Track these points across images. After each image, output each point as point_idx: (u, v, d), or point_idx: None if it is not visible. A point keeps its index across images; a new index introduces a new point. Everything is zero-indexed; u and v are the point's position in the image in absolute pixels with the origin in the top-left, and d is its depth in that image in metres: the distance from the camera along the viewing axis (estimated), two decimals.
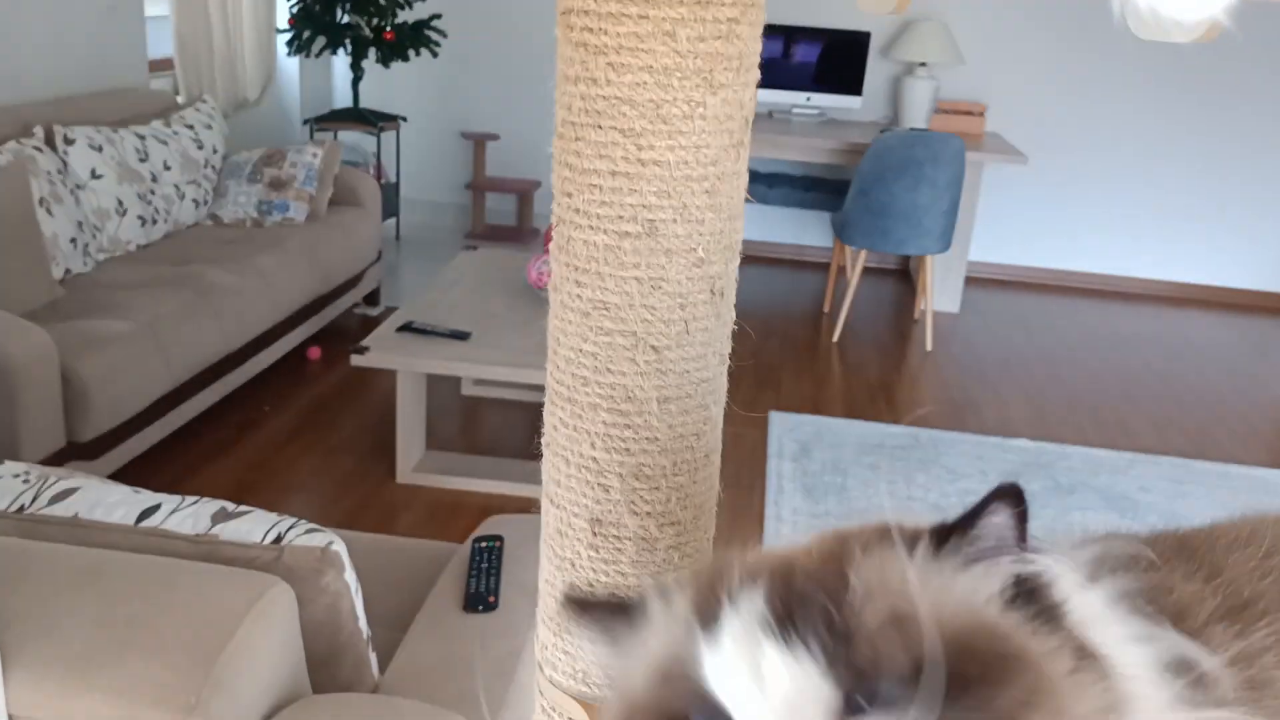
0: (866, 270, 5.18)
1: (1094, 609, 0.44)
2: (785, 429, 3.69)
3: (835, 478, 3.37)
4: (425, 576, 2.20)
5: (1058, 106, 5.31)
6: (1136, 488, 3.40)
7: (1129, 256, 5.41)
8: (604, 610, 0.52)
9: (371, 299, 4.81)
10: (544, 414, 0.84)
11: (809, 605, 0.41)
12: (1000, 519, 0.43)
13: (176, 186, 4.19)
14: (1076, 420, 3.92)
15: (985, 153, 4.74)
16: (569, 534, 0.82)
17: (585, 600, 0.53)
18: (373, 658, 1.81)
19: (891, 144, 4.36)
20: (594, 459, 0.79)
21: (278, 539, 1.64)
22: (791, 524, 3.15)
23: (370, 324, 3.44)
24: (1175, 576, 0.55)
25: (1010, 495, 0.43)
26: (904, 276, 5.55)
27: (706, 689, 0.41)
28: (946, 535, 0.43)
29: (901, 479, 3.45)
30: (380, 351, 3.31)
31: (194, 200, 4.31)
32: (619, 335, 0.76)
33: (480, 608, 1.96)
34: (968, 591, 0.42)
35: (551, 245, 0.79)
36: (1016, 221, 5.47)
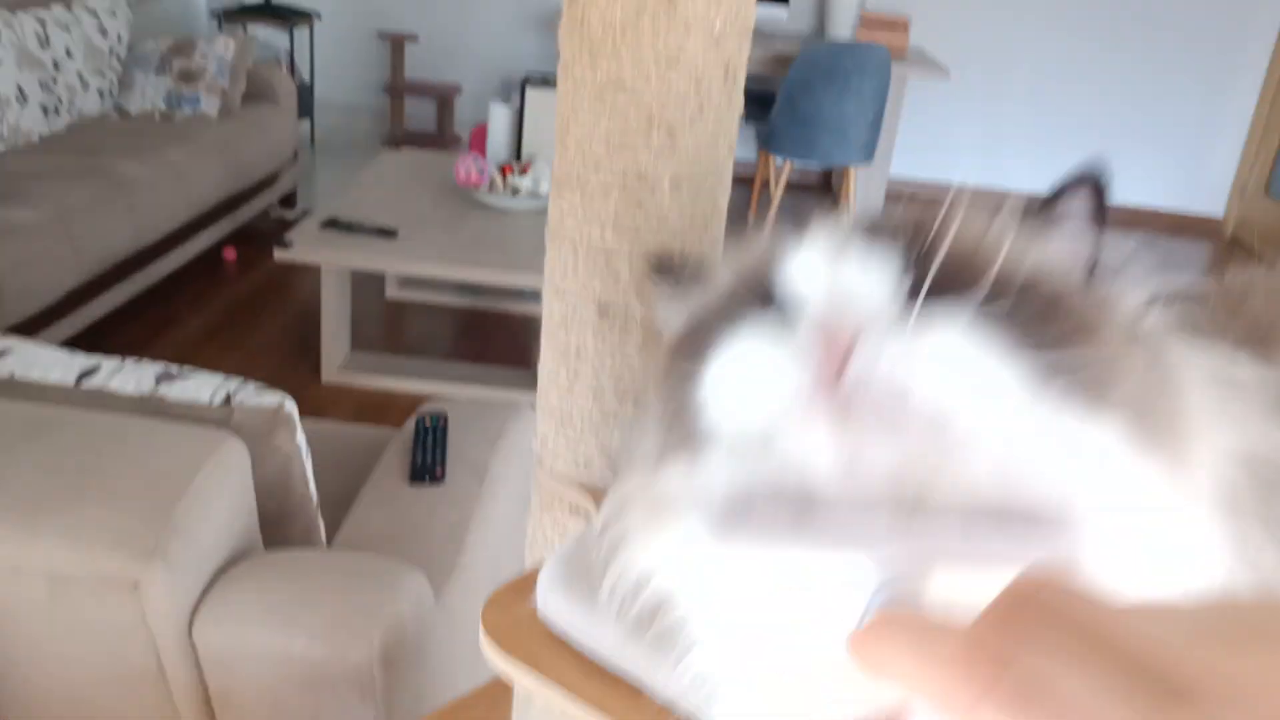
0: (790, 184, 5.22)
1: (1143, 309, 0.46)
2: None
3: None
4: (364, 461, 2.18)
5: (981, 22, 5.38)
6: None
7: (1049, 175, 5.55)
8: (685, 275, 0.52)
9: (288, 202, 4.67)
10: (550, 208, 0.84)
11: (893, 232, 0.43)
12: (1080, 202, 0.45)
13: (80, 75, 3.99)
14: None
15: (908, 65, 4.80)
16: (574, 323, 0.83)
17: (670, 263, 0.53)
18: (321, 525, 1.80)
19: (819, 54, 4.38)
20: (605, 244, 0.80)
21: (227, 399, 1.61)
22: None
23: (287, 227, 3.36)
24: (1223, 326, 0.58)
25: (1092, 181, 0.45)
26: (826, 190, 5.61)
27: (777, 280, 0.43)
28: (1030, 208, 0.45)
29: None
30: (305, 246, 3.24)
31: (99, 90, 4.11)
32: (633, 114, 0.76)
33: (427, 479, 1.96)
34: (1043, 251, 0.44)
35: (562, 28, 0.79)
36: (938, 137, 5.56)
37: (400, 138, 5.62)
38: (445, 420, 2.10)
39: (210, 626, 1.37)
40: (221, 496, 1.46)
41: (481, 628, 0.70)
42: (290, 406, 1.62)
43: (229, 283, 4.08)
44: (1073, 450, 0.38)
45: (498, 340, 3.76)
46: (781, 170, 4.72)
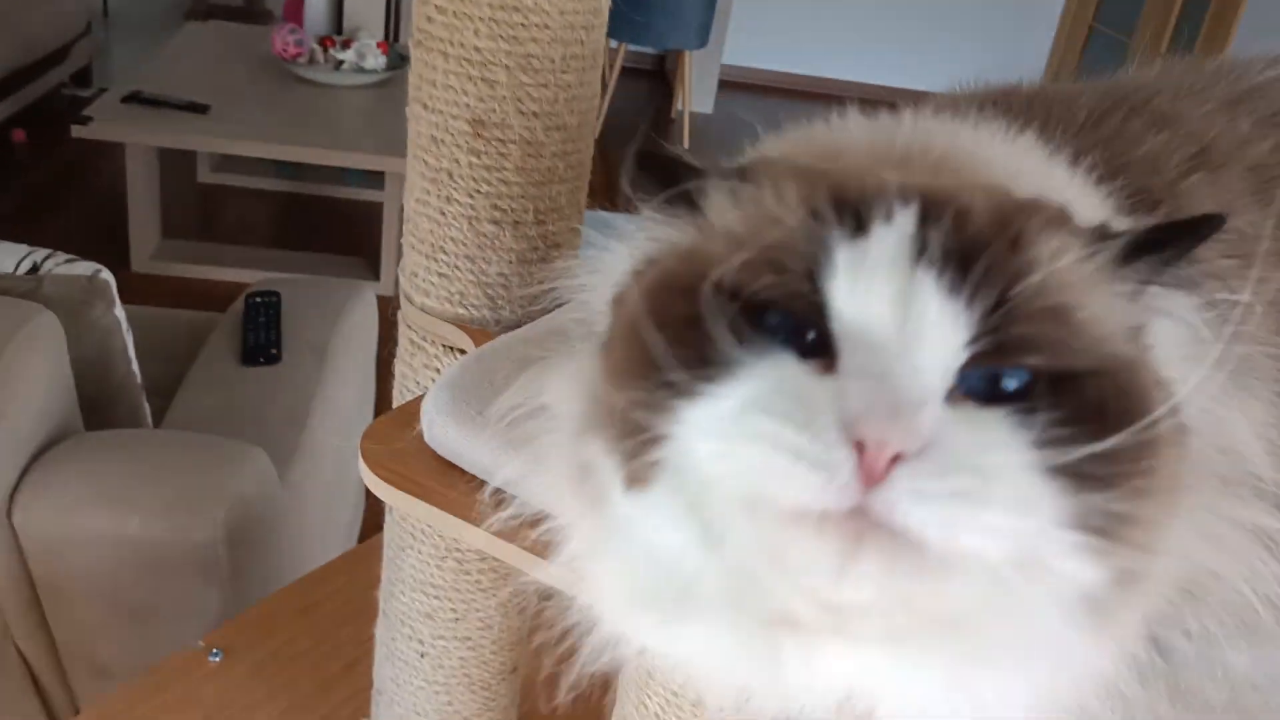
0: (623, 70, 5.13)
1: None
2: None
3: None
4: (187, 347, 2.04)
5: None
6: None
7: (881, 65, 5.63)
8: (675, 170, 0.43)
9: (82, 79, 4.27)
10: (415, 8, 0.76)
11: (973, 256, 0.36)
12: (1181, 253, 0.39)
13: None
14: None
15: None
16: (446, 140, 0.76)
17: (657, 154, 0.44)
18: (147, 409, 1.67)
19: None
20: (477, 49, 0.73)
21: (34, 268, 1.46)
22: None
23: (82, 105, 3.05)
24: (1137, 125, 0.57)
25: (1195, 233, 0.39)
26: (659, 78, 5.55)
27: (817, 290, 0.37)
28: (1134, 252, 0.39)
29: None
30: (106, 122, 2.96)
31: None
32: None
33: (262, 360, 1.85)
34: (1131, 319, 0.39)
35: None
36: (770, 25, 5.55)
37: (204, 10, 5.20)
38: (279, 299, 1.98)
39: (30, 510, 1.25)
40: (35, 375, 1.32)
41: (360, 459, 0.64)
42: (106, 276, 1.48)
43: (21, 167, 3.71)
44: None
45: (326, 227, 3.57)
46: (616, 54, 4.62)
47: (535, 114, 0.75)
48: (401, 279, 0.84)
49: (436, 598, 0.87)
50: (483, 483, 0.62)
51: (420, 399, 0.68)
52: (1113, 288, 0.39)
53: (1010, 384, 0.36)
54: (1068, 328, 0.36)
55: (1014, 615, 0.36)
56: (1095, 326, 0.37)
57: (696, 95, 4.99)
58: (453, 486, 0.63)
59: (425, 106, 0.76)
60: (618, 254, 0.49)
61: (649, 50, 5.37)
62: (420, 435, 0.65)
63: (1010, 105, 0.57)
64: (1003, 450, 0.34)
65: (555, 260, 0.82)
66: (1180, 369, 0.40)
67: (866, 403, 0.34)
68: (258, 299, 1.97)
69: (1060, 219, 0.39)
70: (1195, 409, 0.40)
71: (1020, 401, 0.35)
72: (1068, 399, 0.35)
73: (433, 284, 0.80)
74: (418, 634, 0.89)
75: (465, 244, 0.78)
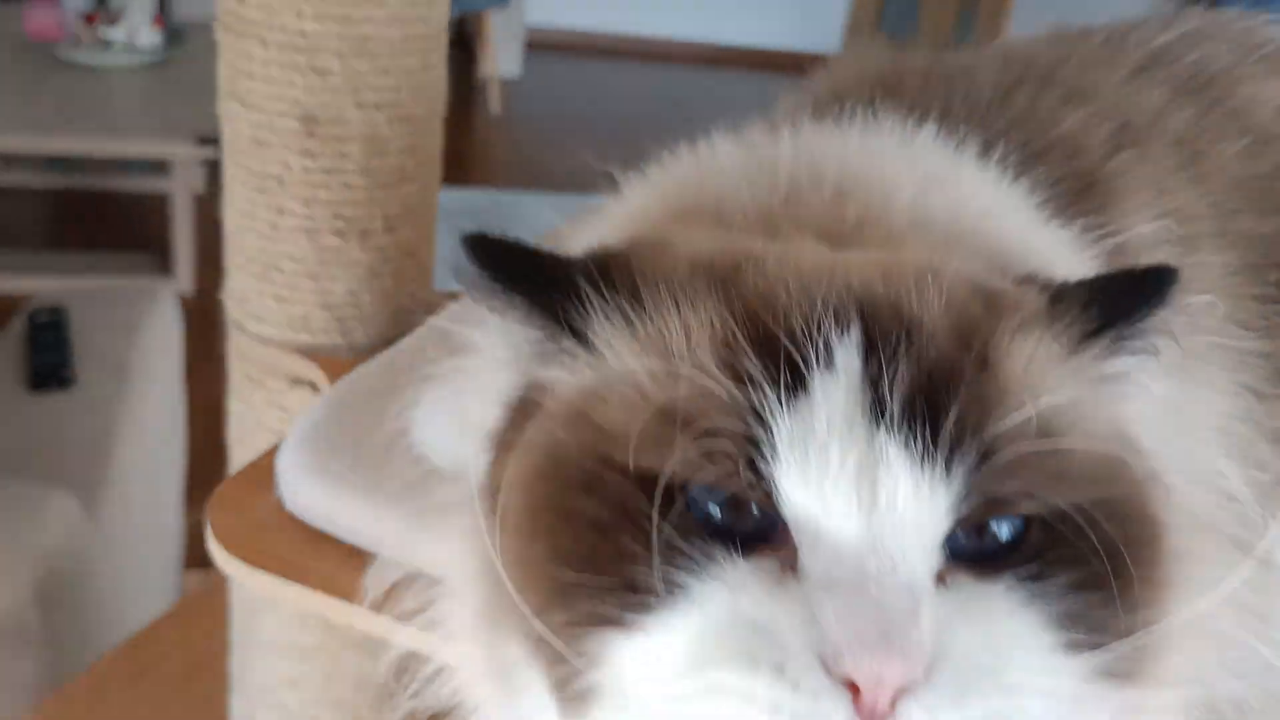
0: None
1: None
2: None
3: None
4: None
5: None
6: None
7: (688, 19, 5.60)
8: (527, 264, 0.34)
9: None
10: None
11: (941, 399, 0.29)
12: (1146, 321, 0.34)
13: None
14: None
15: None
16: (272, 142, 0.64)
17: (501, 245, 0.34)
18: None
19: None
20: (303, 33, 0.62)
21: None
22: None
23: None
24: (1050, 101, 0.52)
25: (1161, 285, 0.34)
26: (458, 42, 5.35)
27: (760, 477, 0.29)
28: (1097, 329, 0.33)
29: None
30: None
31: None
32: None
33: (53, 384, 1.64)
34: (1116, 417, 0.34)
35: None
36: None
37: None
38: (65, 314, 1.77)
39: None
40: None
41: (211, 535, 0.53)
42: None
43: None
44: None
45: (110, 223, 3.26)
46: None
47: (376, 106, 0.65)
48: (228, 305, 0.72)
49: (303, 662, 0.76)
50: (362, 551, 0.53)
51: (271, 455, 0.58)
52: (1084, 374, 0.33)
53: (1003, 534, 0.30)
54: (1058, 460, 0.30)
55: None
56: (1083, 443, 0.31)
57: (502, 59, 4.83)
58: (326, 559, 0.53)
59: (243, 103, 0.64)
60: (483, 364, 0.40)
61: None
62: (279, 503, 0.55)
63: (901, 89, 0.53)
64: (1019, 645, 0.29)
65: (409, 276, 0.73)
66: (1157, 431, 0.36)
67: (850, 630, 0.27)
68: (42, 317, 1.75)
69: (1022, 310, 0.33)
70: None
71: (1016, 555, 0.30)
72: (1067, 542, 0.30)
73: (268, 309, 0.69)
74: (283, 704, 0.78)
75: (304, 260, 0.67)
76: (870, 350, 0.30)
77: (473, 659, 0.38)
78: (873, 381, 0.29)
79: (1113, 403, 0.34)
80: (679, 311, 0.32)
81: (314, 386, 0.71)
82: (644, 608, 0.29)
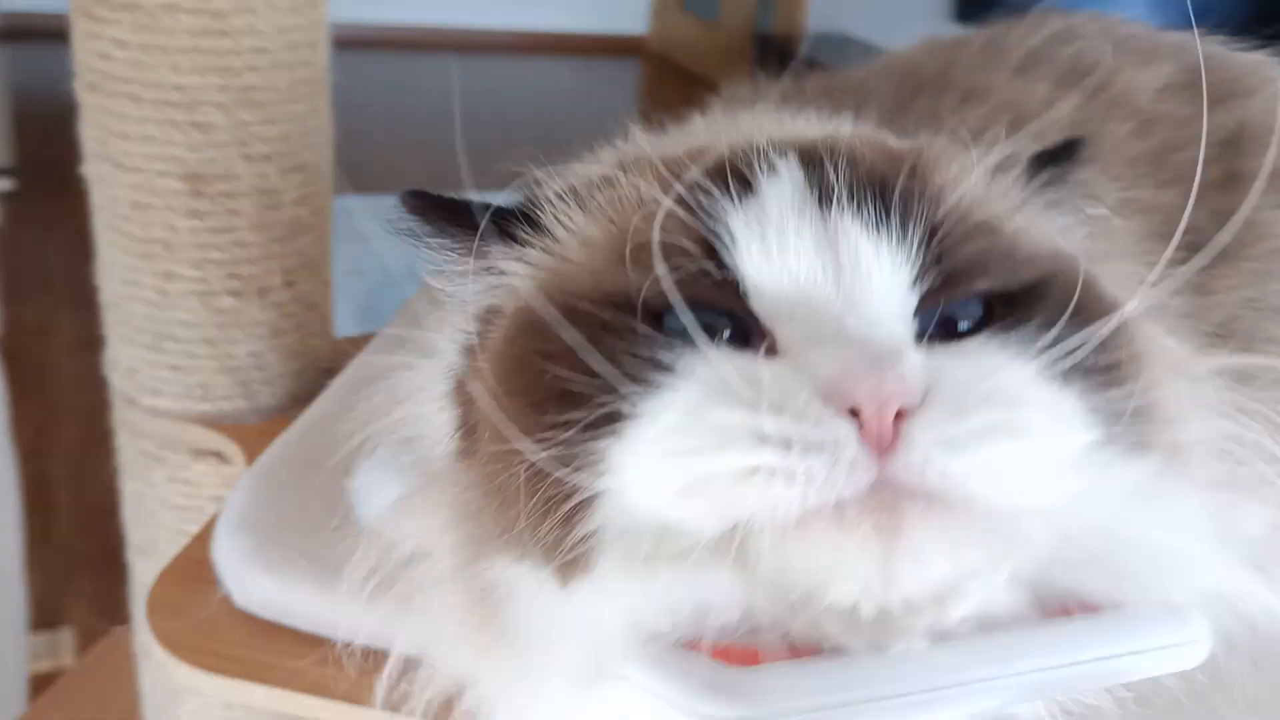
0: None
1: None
2: None
3: None
4: None
5: None
6: None
7: (492, 7, 5.50)
8: (460, 213, 0.36)
9: None
10: (76, 45, 0.59)
11: (882, 189, 0.32)
12: (1070, 168, 0.38)
13: None
14: (473, 170, 4.00)
15: None
16: (154, 204, 0.60)
17: (435, 201, 0.37)
18: None
19: None
20: (180, 87, 0.57)
21: None
22: None
23: None
24: (950, 101, 0.55)
25: (1074, 151, 0.38)
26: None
27: (723, 266, 0.31)
28: (1033, 170, 0.38)
29: None
30: None
31: None
32: None
33: None
34: (1052, 229, 0.37)
35: None
36: None
37: None
38: None
39: None
40: None
41: (158, 645, 0.49)
42: None
43: None
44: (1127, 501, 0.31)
45: None
46: None
47: (266, 157, 0.61)
48: (114, 379, 0.67)
49: None
50: (322, 640, 0.50)
51: (200, 544, 0.54)
52: (1025, 201, 0.37)
53: (967, 318, 0.31)
54: (1005, 241, 0.33)
55: (1087, 541, 0.31)
56: (1028, 235, 0.34)
57: None
58: (286, 651, 0.50)
59: (117, 165, 0.59)
60: (423, 367, 0.41)
61: None
62: (225, 598, 0.51)
63: (808, 105, 0.54)
64: (1007, 370, 0.29)
65: (312, 330, 0.69)
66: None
67: (841, 362, 0.28)
68: None
69: (947, 150, 0.36)
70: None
71: (986, 328, 0.31)
72: (1030, 309, 0.31)
73: (163, 380, 0.64)
74: None
75: (200, 325, 0.63)
76: (809, 168, 0.32)
77: (457, 620, 0.38)
78: (815, 183, 0.32)
79: (1050, 229, 0.37)
80: (628, 179, 0.35)
81: (220, 456, 0.67)
82: (636, 399, 0.29)
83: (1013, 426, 0.28)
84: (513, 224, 0.36)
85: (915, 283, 0.31)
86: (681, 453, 0.28)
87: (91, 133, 0.60)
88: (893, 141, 0.38)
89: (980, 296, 0.32)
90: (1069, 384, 0.30)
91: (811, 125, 0.49)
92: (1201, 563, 0.31)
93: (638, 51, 5.75)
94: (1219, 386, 0.37)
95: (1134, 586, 0.31)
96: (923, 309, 0.31)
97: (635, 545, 0.30)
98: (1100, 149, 0.54)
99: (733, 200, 0.32)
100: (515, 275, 0.36)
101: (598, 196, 0.36)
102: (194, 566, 0.54)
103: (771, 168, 0.33)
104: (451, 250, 0.37)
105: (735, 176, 0.32)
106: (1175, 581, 0.31)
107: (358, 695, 0.48)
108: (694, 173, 0.33)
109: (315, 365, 0.69)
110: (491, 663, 0.37)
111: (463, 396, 0.37)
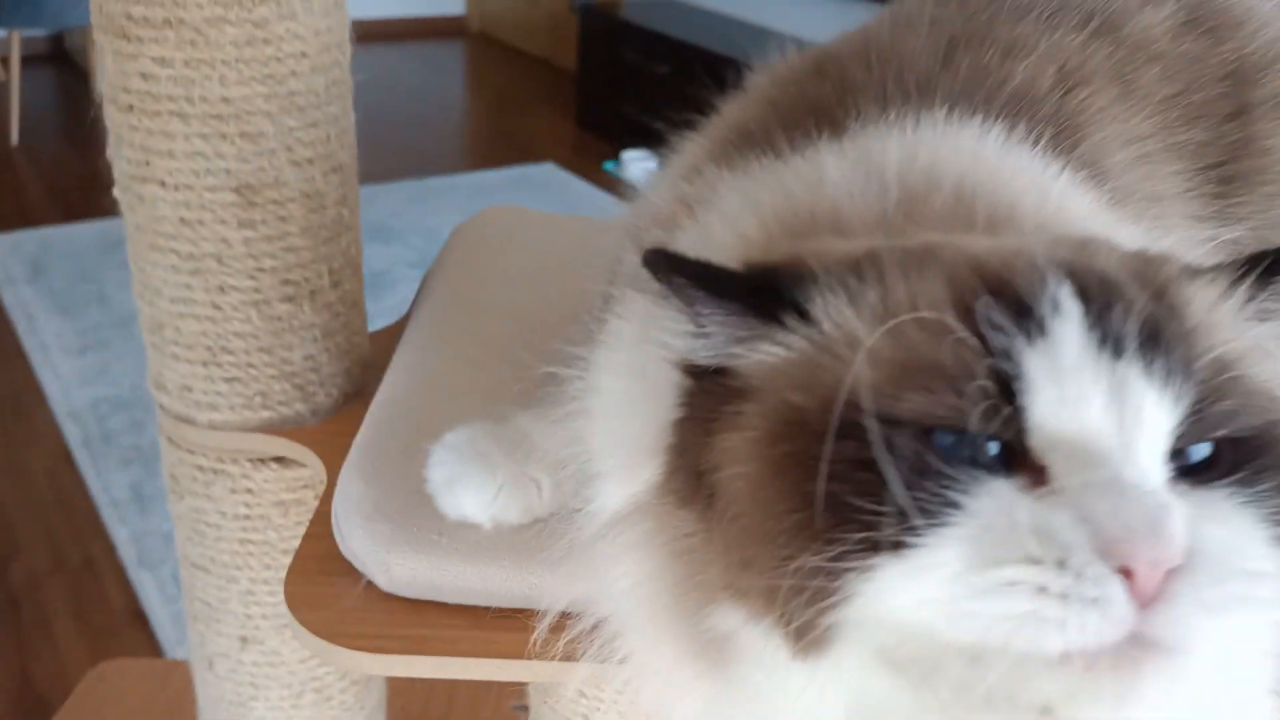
0: (27, 60, 4.39)
1: None
2: (4, 252, 3.10)
3: (88, 286, 2.97)
4: None
5: None
6: (389, 215, 3.56)
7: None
8: (717, 281, 0.36)
9: None
10: (109, 66, 0.58)
11: (1159, 336, 0.34)
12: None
13: None
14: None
15: None
16: (205, 220, 0.60)
17: (684, 266, 0.36)
18: None
19: None
20: (227, 99, 0.57)
21: None
22: (60, 349, 2.75)
23: None
24: (994, 57, 0.56)
25: None
26: (64, 62, 4.80)
27: (1014, 405, 0.33)
28: (1256, 284, 0.39)
29: None
30: None
31: None
32: None
33: None
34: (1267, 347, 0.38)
35: None
36: None
37: None
38: None
39: None
40: None
41: (316, 639, 0.51)
42: None
43: None
44: None
45: None
46: (8, 44, 3.92)
47: (310, 160, 0.62)
48: (162, 400, 0.67)
49: None
50: (468, 608, 0.53)
51: (313, 542, 0.56)
52: (1250, 323, 0.39)
53: (1198, 456, 0.35)
54: (1246, 385, 0.36)
55: None
56: (1260, 375, 0.37)
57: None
58: (442, 624, 0.53)
59: (164, 185, 0.59)
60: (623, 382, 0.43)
61: (40, 33, 4.63)
62: (367, 583, 0.53)
63: (856, 86, 0.55)
64: (1250, 537, 0.34)
65: (356, 328, 0.70)
66: None
67: (1122, 521, 0.31)
68: None
69: (1185, 268, 0.39)
70: None
71: (1213, 473, 0.35)
72: (1263, 462, 0.35)
73: (219, 394, 0.65)
74: None
75: (256, 335, 0.63)
76: (1086, 298, 0.34)
77: (660, 657, 0.41)
78: (1094, 323, 0.34)
79: (1266, 351, 0.39)
80: (903, 278, 0.36)
81: (282, 462, 0.68)
82: (912, 529, 0.32)
83: (1257, 598, 0.32)
84: (776, 306, 0.37)
85: (1175, 427, 0.34)
86: (965, 593, 0.31)
87: (130, 154, 0.60)
88: (1135, 255, 0.39)
89: (1214, 440, 0.35)
90: None
91: (973, 154, 0.48)
92: None
93: (460, 32, 5.70)
94: None
95: None
96: (1176, 450, 0.34)
97: (882, 641, 0.33)
98: (1136, 95, 0.56)
99: (1027, 339, 0.33)
100: (766, 355, 0.37)
101: (870, 295, 0.36)
102: (317, 563, 0.56)
103: (1056, 306, 0.34)
104: (699, 315, 0.37)
105: (1020, 309, 0.34)
106: None
107: (514, 651, 0.52)
108: (984, 301, 0.34)
109: (361, 361, 0.70)
110: (692, 697, 0.41)
111: (684, 442, 0.39)
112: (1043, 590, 0.31)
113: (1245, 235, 0.53)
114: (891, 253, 0.37)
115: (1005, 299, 0.34)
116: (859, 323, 0.36)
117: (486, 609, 0.52)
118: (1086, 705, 0.31)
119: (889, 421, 0.33)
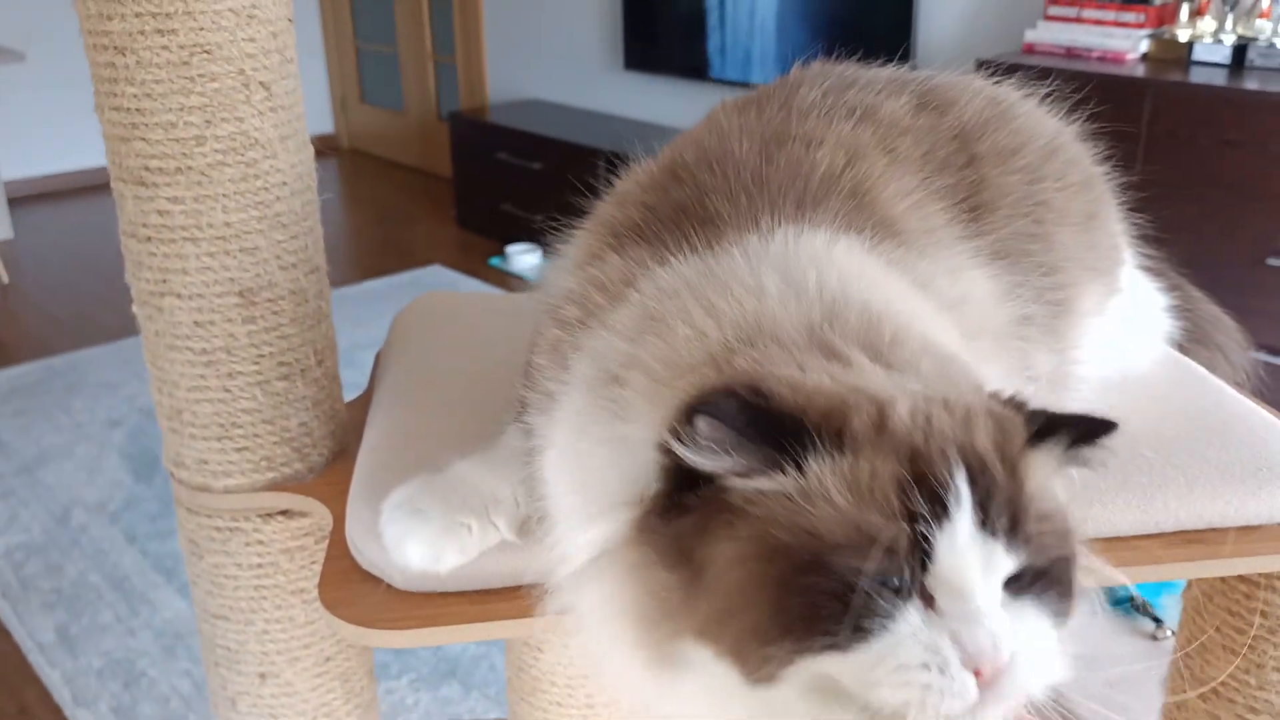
0: None
1: None
2: None
3: None
4: None
5: (52, 6, 4.90)
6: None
7: None
8: (770, 424, 0.50)
9: None
10: (124, 206, 0.73)
11: (1016, 518, 0.51)
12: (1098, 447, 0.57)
13: None
14: None
15: None
16: (215, 320, 0.75)
17: (756, 403, 0.50)
18: None
19: None
20: (228, 224, 0.73)
21: None
22: None
23: None
24: (798, 151, 0.71)
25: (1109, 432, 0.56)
26: None
27: (923, 565, 0.50)
28: (1055, 436, 0.55)
29: (60, 411, 3.17)
30: None
31: None
32: (227, 78, 0.70)
33: None
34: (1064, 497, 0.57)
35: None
36: (37, 128, 5.04)
37: None
38: None
39: None
40: None
41: (346, 623, 0.64)
42: None
43: None
44: None
45: None
46: None
47: (295, 264, 0.78)
48: (181, 475, 0.80)
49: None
50: (466, 592, 0.68)
51: (332, 561, 0.70)
52: (1055, 474, 0.57)
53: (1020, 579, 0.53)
54: (1052, 531, 0.54)
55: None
56: (1060, 516, 0.54)
57: None
58: (449, 604, 0.67)
59: (179, 296, 0.74)
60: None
61: None
62: (387, 586, 0.67)
63: (696, 195, 0.68)
64: (1045, 634, 0.53)
65: (337, 395, 0.85)
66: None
67: (979, 646, 0.49)
68: None
69: (1020, 434, 0.54)
70: None
71: (1021, 582, 0.52)
72: (1052, 584, 0.53)
73: (232, 462, 0.79)
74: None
75: (260, 410, 0.78)
76: (973, 483, 0.50)
77: (620, 658, 0.56)
78: (978, 508, 0.51)
79: (1065, 492, 0.58)
80: (867, 455, 0.51)
81: (286, 514, 0.82)
82: (849, 634, 0.49)
83: (1046, 669, 0.52)
84: (784, 452, 0.50)
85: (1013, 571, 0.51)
86: (886, 674, 0.49)
87: (149, 275, 0.74)
88: (989, 421, 0.53)
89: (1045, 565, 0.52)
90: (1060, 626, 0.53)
91: (861, 271, 0.63)
92: None
93: (333, 149, 5.81)
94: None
95: None
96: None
97: (820, 685, 0.50)
98: (898, 162, 0.73)
99: (938, 524, 0.49)
100: (762, 485, 0.51)
101: (843, 466, 0.50)
102: (342, 575, 0.70)
103: (958, 498, 0.50)
104: (719, 439, 0.50)
105: (934, 498, 0.50)
106: None
107: (506, 616, 0.66)
108: (915, 497, 0.49)
109: (342, 425, 0.85)
110: (646, 689, 0.56)
111: (666, 517, 0.53)
112: (929, 686, 0.49)
113: (991, 244, 0.72)
114: (864, 427, 0.51)
115: (925, 490, 0.50)
116: (834, 486, 0.51)
117: (479, 590, 0.67)
118: None
119: (851, 554, 0.49)
